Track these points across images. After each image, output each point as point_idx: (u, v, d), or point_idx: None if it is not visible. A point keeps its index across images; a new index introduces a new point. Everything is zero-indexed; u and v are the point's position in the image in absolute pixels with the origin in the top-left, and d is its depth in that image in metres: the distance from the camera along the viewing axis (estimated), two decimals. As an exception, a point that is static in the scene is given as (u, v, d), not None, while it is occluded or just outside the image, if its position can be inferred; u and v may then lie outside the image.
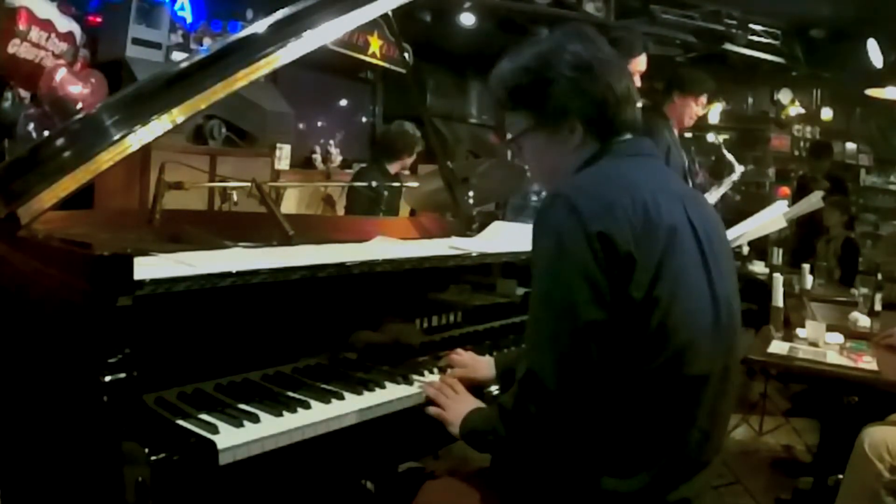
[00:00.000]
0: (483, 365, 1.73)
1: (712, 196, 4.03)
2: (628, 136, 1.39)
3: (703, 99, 3.93)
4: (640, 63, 3.66)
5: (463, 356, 1.76)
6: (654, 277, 1.22)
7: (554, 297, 1.25)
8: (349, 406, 1.45)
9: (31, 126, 3.47)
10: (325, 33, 1.74)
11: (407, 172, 4.35)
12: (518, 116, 1.42)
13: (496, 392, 1.68)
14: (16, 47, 3.41)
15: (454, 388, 1.56)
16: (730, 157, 4.16)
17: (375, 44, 5.12)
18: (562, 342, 1.23)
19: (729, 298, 1.34)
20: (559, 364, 1.23)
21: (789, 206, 3.63)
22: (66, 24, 3.65)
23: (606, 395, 1.25)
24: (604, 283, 1.21)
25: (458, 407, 1.49)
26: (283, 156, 4.59)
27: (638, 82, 3.84)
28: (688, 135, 4.15)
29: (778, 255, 4.53)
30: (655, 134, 3.71)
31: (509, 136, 1.46)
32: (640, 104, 1.43)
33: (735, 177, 4.11)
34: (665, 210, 1.27)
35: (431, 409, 1.52)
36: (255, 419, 1.32)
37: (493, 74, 1.43)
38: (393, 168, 4.21)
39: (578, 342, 1.22)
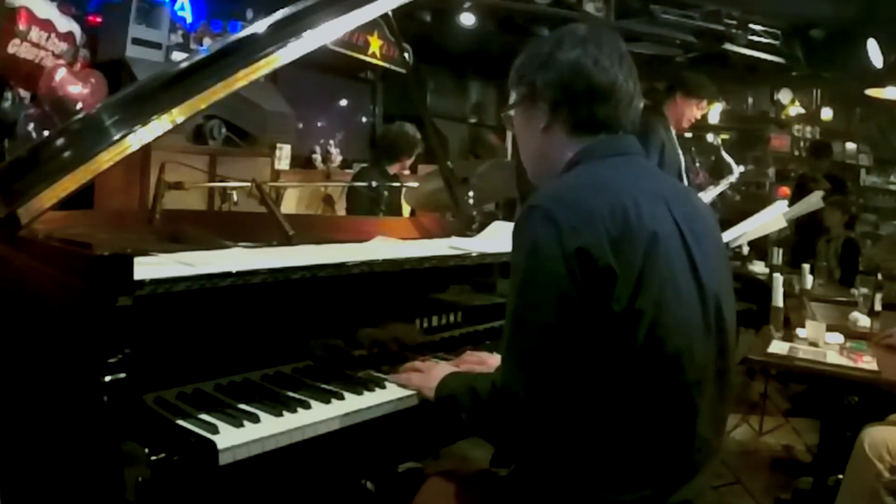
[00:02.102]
0: (495, 360, 1.73)
1: (707, 195, 4.04)
2: (610, 133, 1.38)
3: (704, 103, 3.97)
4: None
5: (477, 354, 1.78)
6: (635, 289, 1.21)
7: (526, 317, 1.26)
8: (349, 406, 1.45)
9: (31, 126, 3.48)
10: (325, 33, 1.74)
11: (407, 172, 4.35)
12: (514, 90, 1.47)
13: None
14: (16, 47, 3.41)
15: (419, 364, 1.60)
16: (728, 158, 4.17)
17: (375, 44, 5.12)
18: (533, 361, 1.25)
19: (719, 298, 1.33)
20: (531, 382, 1.25)
21: (789, 206, 3.63)
22: (66, 24, 3.65)
23: (601, 408, 1.25)
24: (579, 301, 1.21)
25: (433, 371, 1.53)
26: (283, 156, 4.59)
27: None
28: (688, 135, 4.15)
29: (778, 255, 4.52)
30: (649, 130, 3.74)
31: (506, 107, 1.51)
32: (640, 105, 1.43)
33: (733, 178, 4.12)
34: (647, 214, 1.26)
35: (402, 377, 1.55)
36: (255, 419, 1.32)
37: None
38: (392, 169, 4.21)
39: (550, 360, 1.23)
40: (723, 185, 4.11)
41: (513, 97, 1.48)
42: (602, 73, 1.35)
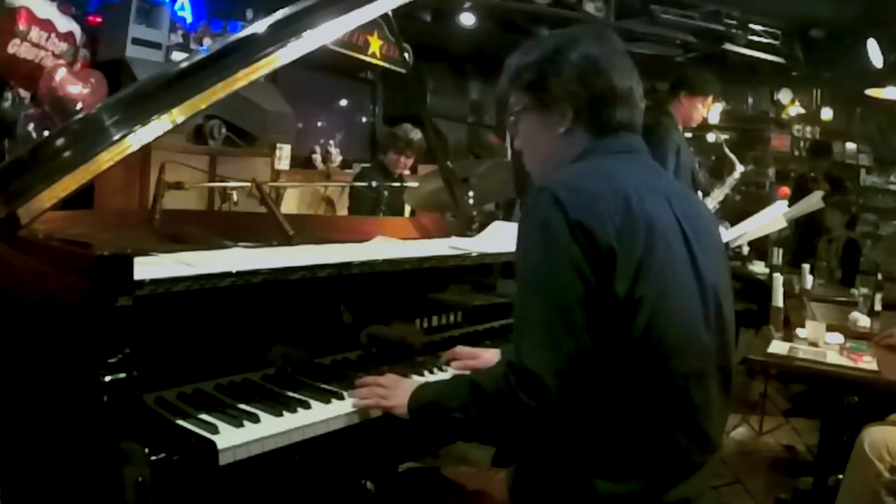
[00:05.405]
0: (489, 356, 1.72)
1: (716, 196, 4.03)
2: (619, 133, 1.39)
3: (709, 100, 3.94)
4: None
5: (465, 349, 1.77)
6: (636, 273, 1.22)
7: (549, 293, 1.23)
8: (349, 406, 1.45)
9: (31, 126, 3.47)
10: (325, 33, 1.74)
11: (407, 172, 4.35)
12: (520, 96, 1.45)
13: None
14: (16, 47, 3.41)
15: (382, 380, 1.51)
16: (731, 155, 4.16)
17: (375, 44, 5.12)
18: (559, 339, 1.21)
19: (719, 295, 1.34)
20: (559, 363, 1.21)
21: (789, 206, 3.63)
22: (66, 24, 3.65)
23: (599, 396, 1.25)
24: (592, 275, 1.21)
25: (400, 387, 1.46)
26: (283, 156, 4.59)
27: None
28: (688, 135, 4.15)
29: (778, 255, 4.52)
30: (664, 133, 3.70)
31: (509, 113, 1.48)
32: (642, 106, 1.44)
33: (736, 175, 4.11)
34: (649, 205, 1.27)
35: (370, 402, 1.45)
36: (255, 419, 1.32)
37: (511, 58, 1.46)
38: (389, 161, 4.19)
39: (576, 337, 1.21)
40: (729, 184, 4.10)
41: (515, 100, 1.45)
42: (621, 78, 1.37)
